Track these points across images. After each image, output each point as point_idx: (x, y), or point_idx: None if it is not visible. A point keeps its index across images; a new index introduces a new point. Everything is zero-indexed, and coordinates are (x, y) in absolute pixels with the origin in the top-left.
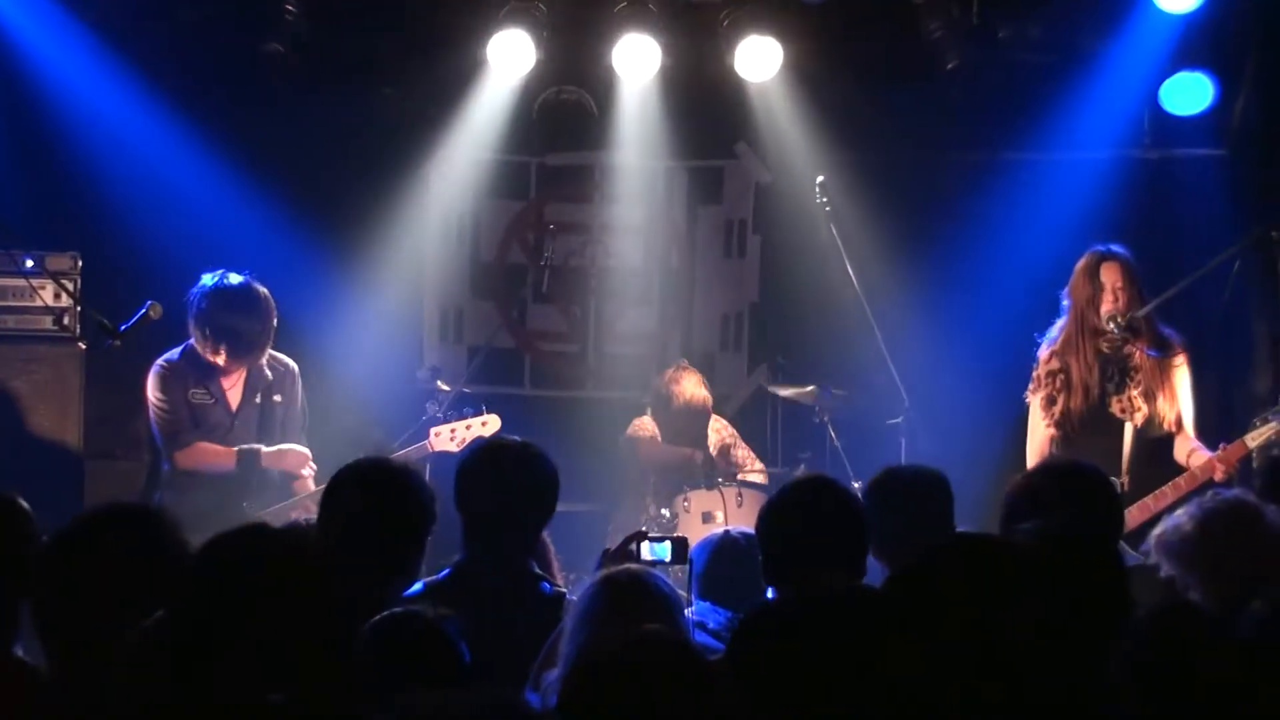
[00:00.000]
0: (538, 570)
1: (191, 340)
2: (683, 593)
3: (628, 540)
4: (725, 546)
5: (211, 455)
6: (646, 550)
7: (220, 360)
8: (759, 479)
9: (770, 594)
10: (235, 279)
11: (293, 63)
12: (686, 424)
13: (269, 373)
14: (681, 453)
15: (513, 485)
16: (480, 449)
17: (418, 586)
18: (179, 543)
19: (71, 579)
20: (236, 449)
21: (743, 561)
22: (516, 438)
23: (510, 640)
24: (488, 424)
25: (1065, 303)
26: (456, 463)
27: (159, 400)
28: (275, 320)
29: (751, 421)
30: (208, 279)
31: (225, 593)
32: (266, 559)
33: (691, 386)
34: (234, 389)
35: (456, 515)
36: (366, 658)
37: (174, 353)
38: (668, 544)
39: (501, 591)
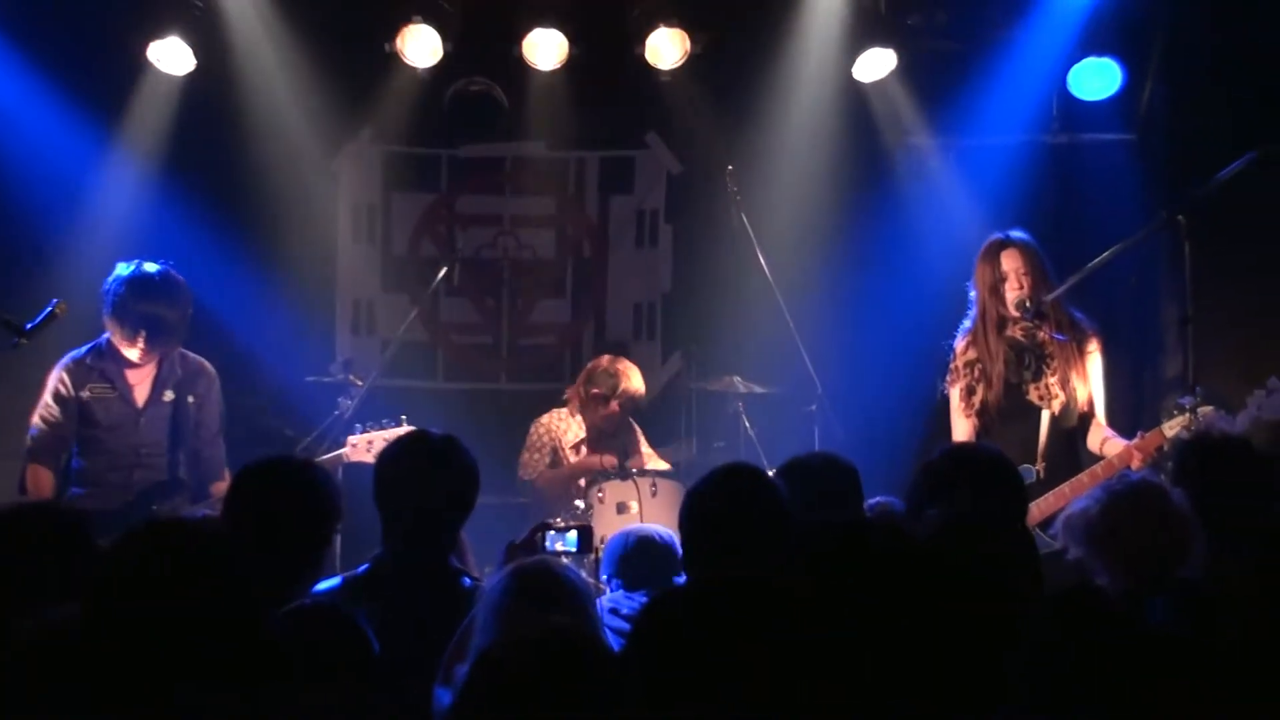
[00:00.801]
0: (457, 564)
1: (103, 336)
2: (593, 580)
3: (533, 531)
4: (641, 543)
5: (34, 482)
6: (553, 541)
7: (138, 349)
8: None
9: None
10: (151, 267)
11: (200, 57)
12: (621, 412)
13: (180, 369)
14: (567, 473)
15: (433, 479)
16: (400, 442)
17: (335, 581)
18: (87, 541)
19: None
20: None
21: (658, 557)
22: (437, 430)
23: (430, 634)
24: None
25: (971, 293)
26: (376, 456)
27: (44, 406)
28: (190, 308)
29: (665, 411)
30: (123, 268)
31: (134, 584)
32: (175, 551)
33: (637, 378)
34: (141, 384)
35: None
36: (276, 648)
37: (81, 349)
38: (574, 533)
39: (421, 586)
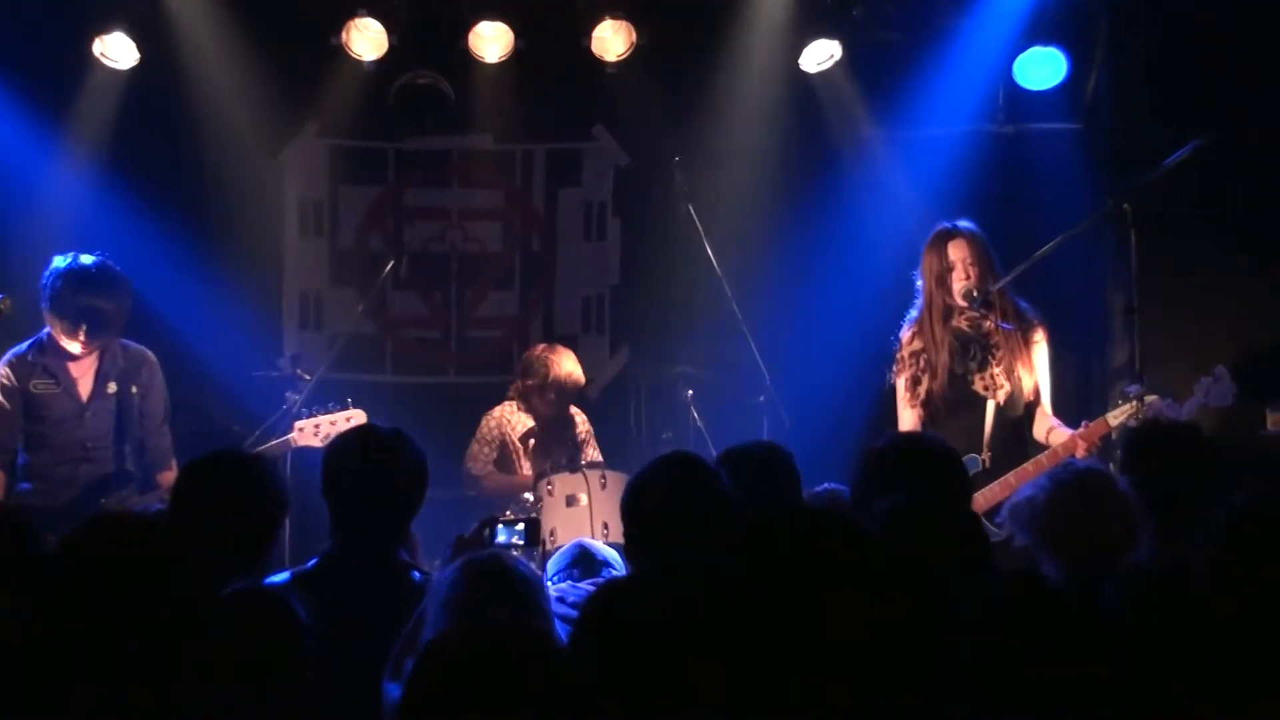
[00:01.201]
0: (406, 558)
1: (44, 331)
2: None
3: (481, 525)
4: (584, 550)
5: None
6: (501, 534)
7: (79, 342)
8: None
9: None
10: (88, 259)
11: (145, 51)
12: (557, 400)
13: (122, 360)
14: (515, 482)
15: (381, 473)
16: (348, 435)
17: (284, 575)
18: (35, 540)
19: None
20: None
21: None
22: (385, 424)
23: (380, 628)
24: (352, 419)
25: (918, 283)
26: (324, 449)
27: None
28: (130, 299)
29: (615, 401)
30: (60, 261)
31: (81, 581)
32: (120, 546)
33: (569, 363)
34: (84, 377)
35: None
36: (216, 632)
37: (22, 345)
38: (521, 526)
39: (370, 580)
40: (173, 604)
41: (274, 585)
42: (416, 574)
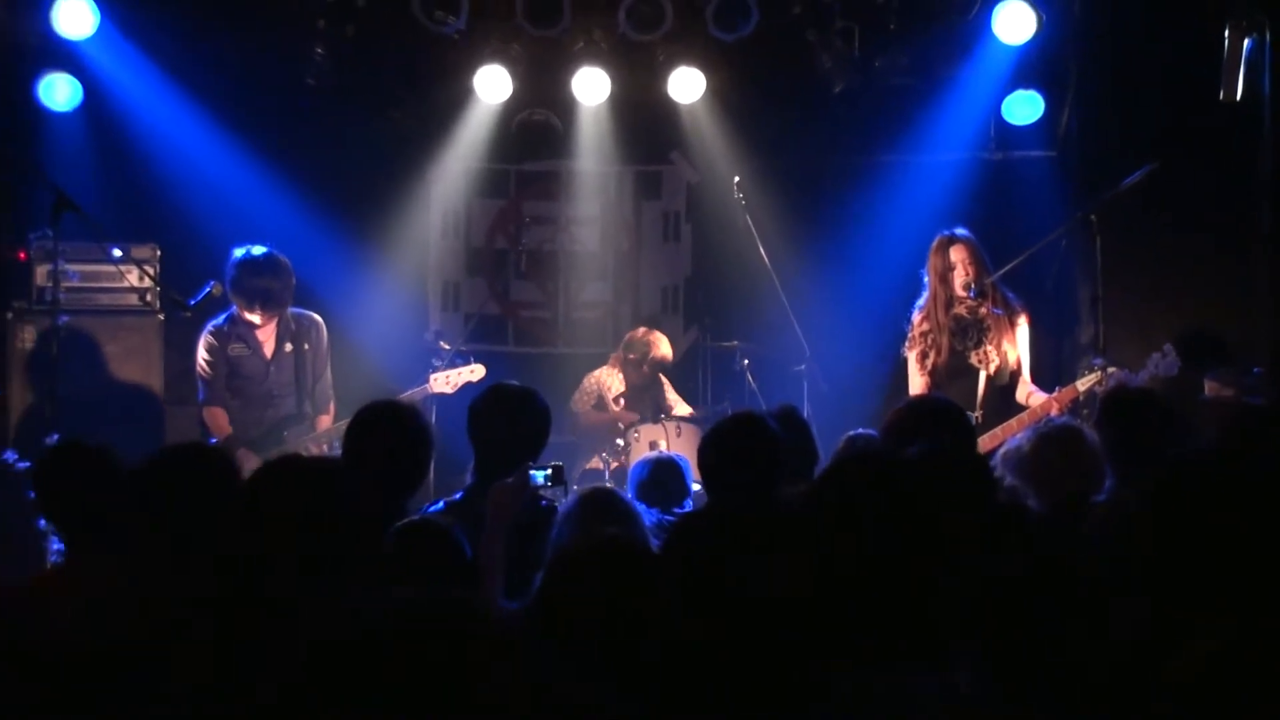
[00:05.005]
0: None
1: (232, 306)
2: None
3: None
4: (660, 462)
5: (213, 421)
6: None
7: (257, 316)
8: (686, 414)
9: (688, 504)
10: (258, 250)
11: (323, 92)
12: (650, 372)
13: (294, 325)
14: (612, 417)
15: (515, 420)
16: (489, 391)
17: (439, 504)
18: (233, 470)
19: (153, 501)
20: (227, 435)
21: (670, 473)
22: (516, 383)
23: (516, 547)
24: (475, 371)
25: (925, 278)
26: (468, 404)
27: (202, 361)
28: (294, 279)
29: (687, 370)
30: (237, 252)
31: (269, 508)
32: (300, 482)
33: (665, 346)
34: (268, 340)
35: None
36: (392, 553)
37: (219, 318)
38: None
39: None
40: (345, 523)
41: (432, 513)
42: (544, 500)
